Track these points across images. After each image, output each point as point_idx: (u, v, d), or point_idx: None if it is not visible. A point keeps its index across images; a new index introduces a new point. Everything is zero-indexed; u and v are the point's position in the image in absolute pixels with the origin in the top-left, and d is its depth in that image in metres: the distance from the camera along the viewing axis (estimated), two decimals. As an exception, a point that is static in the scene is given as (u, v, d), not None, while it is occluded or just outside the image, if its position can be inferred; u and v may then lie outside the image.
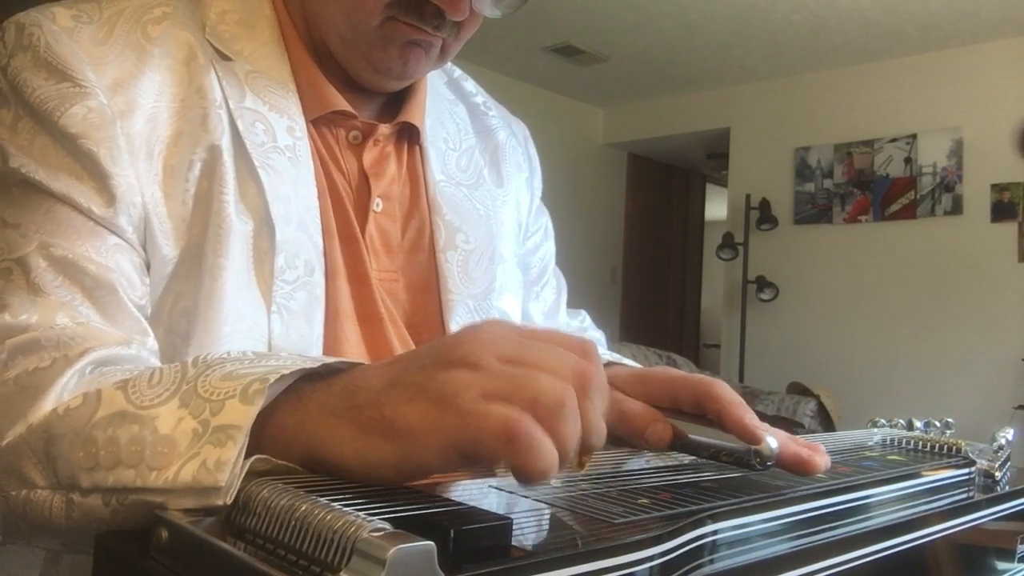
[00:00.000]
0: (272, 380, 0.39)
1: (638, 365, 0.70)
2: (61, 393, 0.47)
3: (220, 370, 0.41)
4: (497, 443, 0.34)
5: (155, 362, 0.55)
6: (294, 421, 0.40)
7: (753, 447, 0.48)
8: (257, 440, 0.38)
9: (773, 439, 0.48)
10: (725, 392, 0.52)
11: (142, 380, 0.43)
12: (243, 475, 0.36)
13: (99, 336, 0.52)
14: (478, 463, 0.36)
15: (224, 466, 0.36)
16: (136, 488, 0.39)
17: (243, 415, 0.38)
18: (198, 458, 0.37)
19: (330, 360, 0.42)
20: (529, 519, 0.37)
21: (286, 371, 0.39)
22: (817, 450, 0.49)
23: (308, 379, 0.41)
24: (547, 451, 0.34)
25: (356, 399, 0.39)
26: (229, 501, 0.35)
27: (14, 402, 0.48)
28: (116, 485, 0.40)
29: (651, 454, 0.56)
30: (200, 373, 0.42)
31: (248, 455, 0.37)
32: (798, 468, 0.48)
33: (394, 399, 0.37)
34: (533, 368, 0.37)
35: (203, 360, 0.43)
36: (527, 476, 0.34)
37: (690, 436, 0.53)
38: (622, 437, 0.56)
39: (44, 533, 0.46)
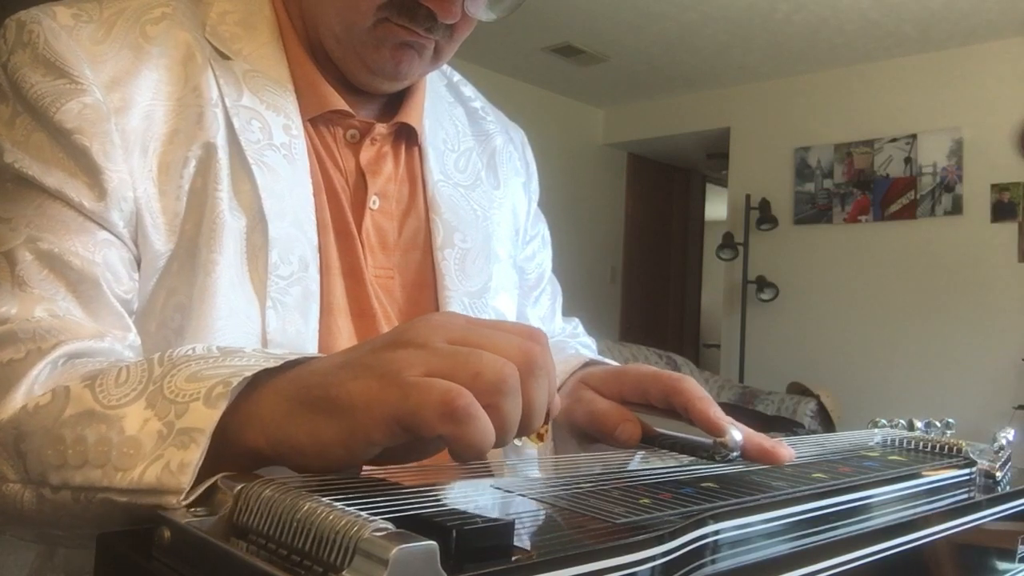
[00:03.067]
0: (234, 383, 0.40)
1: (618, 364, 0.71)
2: (32, 385, 0.48)
3: (185, 370, 0.42)
4: (435, 415, 0.35)
5: (129, 356, 0.56)
6: (246, 406, 0.40)
7: (717, 439, 0.50)
8: (216, 430, 0.39)
9: (737, 432, 0.50)
10: (692, 387, 0.54)
11: (109, 378, 0.44)
12: (203, 489, 0.37)
13: (74, 329, 0.53)
14: (418, 436, 0.37)
15: (187, 468, 0.37)
16: (103, 487, 0.40)
17: (206, 418, 0.39)
18: (162, 460, 0.38)
19: (292, 357, 0.43)
20: (531, 519, 0.37)
21: (248, 372, 0.40)
22: (780, 444, 0.51)
23: (267, 371, 0.42)
24: (484, 426, 0.36)
25: (306, 381, 0.40)
26: (186, 502, 0.36)
27: None
28: (84, 484, 0.41)
29: (649, 453, 0.56)
30: (166, 373, 0.42)
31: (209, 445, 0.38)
32: (762, 458, 0.50)
33: (340, 378, 0.38)
34: (478, 348, 0.39)
35: (169, 358, 0.44)
36: (463, 448, 0.36)
37: (658, 431, 0.54)
38: (594, 435, 0.59)
39: (18, 524, 0.47)
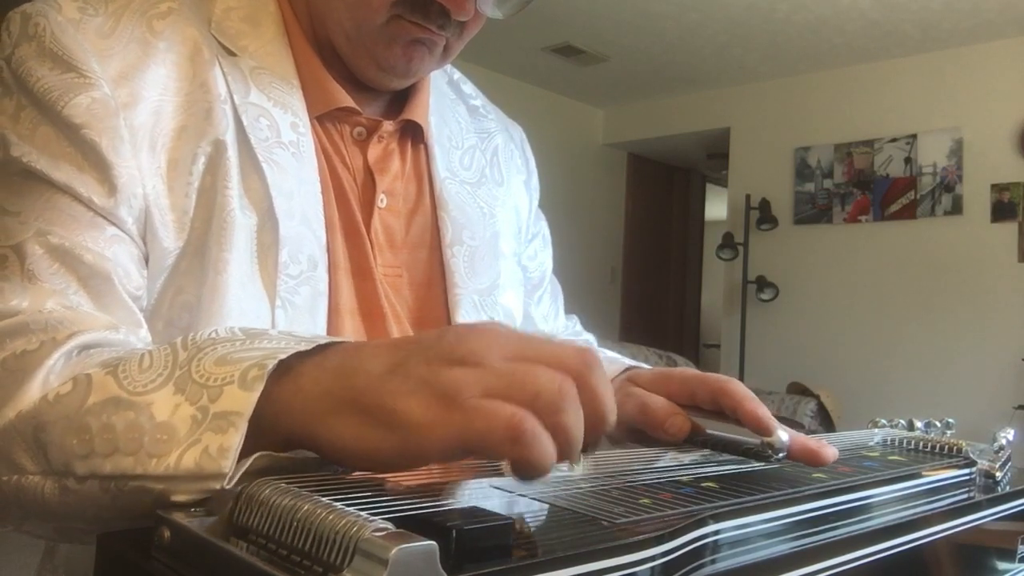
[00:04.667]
0: (270, 366, 0.39)
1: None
2: (47, 376, 0.47)
3: (212, 353, 0.41)
4: (502, 439, 0.35)
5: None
6: (284, 395, 0.40)
7: (765, 439, 0.52)
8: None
9: (784, 432, 0.52)
10: (740, 388, 0.56)
11: (132, 364, 0.43)
12: (244, 470, 0.36)
13: (87, 320, 0.52)
14: (482, 457, 0.37)
15: (227, 452, 0.37)
16: (136, 475, 0.39)
17: (243, 402, 0.38)
18: (199, 445, 0.38)
19: (322, 340, 0.42)
20: (531, 519, 0.37)
21: (283, 355, 0.40)
22: (824, 444, 0.53)
23: (298, 354, 0.41)
24: (548, 446, 0.35)
25: (354, 381, 0.39)
26: (229, 486, 0.36)
27: (2, 385, 0.48)
28: (115, 472, 0.40)
29: (650, 454, 0.56)
30: (192, 357, 0.42)
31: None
32: (808, 459, 0.52)
33: (396, 388, 0.37)
34: (534, 363, 0.38)
35: (192, 342, 0.43)
36: (528, 470, 0.35)
37: (707, 431, 0.57)
38: (643, 429, 0.60)
39: (37, 518, 0.46)
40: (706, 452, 0.56)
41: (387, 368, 0.39)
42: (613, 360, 0.73)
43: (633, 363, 0.74)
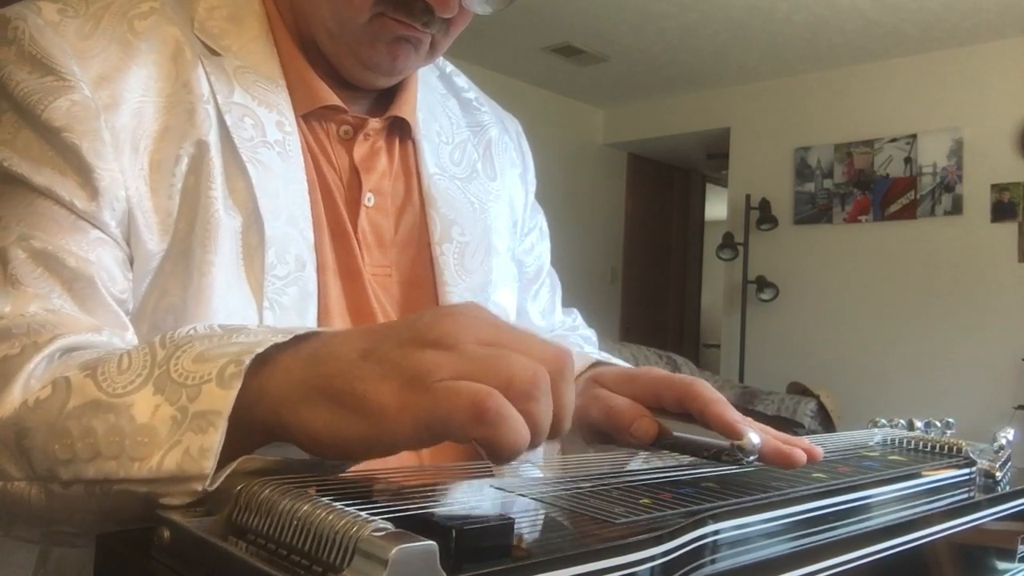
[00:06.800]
0: (247, 361, 0.39)
1: (628, 364, 0.70)
2: (28, 379, 0.46)
3: (190, 351, 0.41)
4: (466, 419, 0.34)
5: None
6: (256, 384, 0.39)
7: (735, 442, 0.49)
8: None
9: (755, 434, 0.49)
10: (706, 390, 0.53)
11: (110, 366, 0.43)
12: (227, 473, 0.36)
13: (70, 323, 0.52)
14: (450, 439, 0.36)
15: (208, 453, 0.37)
16: (120, 479, 0.39)
17: (222, 400, 0.38)
18: (180, 446, 0.37)
19: (300, 331, 0.41)
20: (530, 519, 0.37)
21: (259, 349, 0.39)
22: (799, 444, 0.51)
23: (276, 346, 0.40)
24: (518, 425, 0.34)
25: (326, 367, 0.38)
26: (212, 488, 0.36)
27: None
28: (98, 476, 0.40)
29: (650, 454, 0.56)
30: (170, 355, 0.41)
31: None
32: (779, 461, 0.50)
33: (366, 374, 0.37)
34: (509, 349, 0.37)
35: (171, 340, 0.43)
36: (498, 451, 0.34)
37: (675, 433, 0.54)
38: (608, 432, 0.58)
39: (25, 523, 0.46)
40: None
41: (359, 354, 0.38)
42: (580, 356, 0.72)
43: (601, 357, 0.72)
